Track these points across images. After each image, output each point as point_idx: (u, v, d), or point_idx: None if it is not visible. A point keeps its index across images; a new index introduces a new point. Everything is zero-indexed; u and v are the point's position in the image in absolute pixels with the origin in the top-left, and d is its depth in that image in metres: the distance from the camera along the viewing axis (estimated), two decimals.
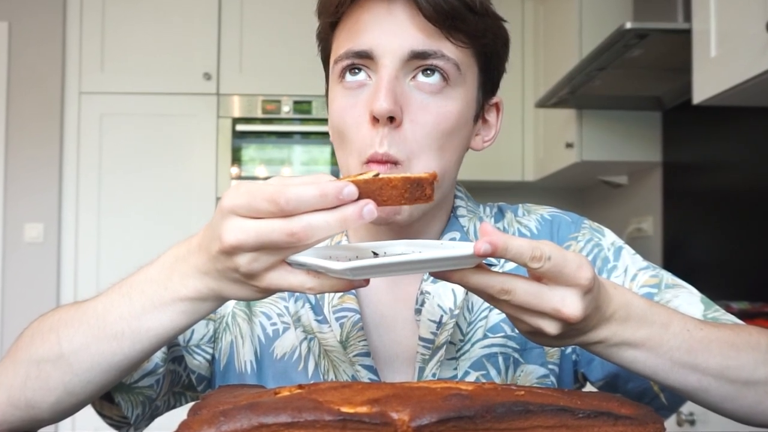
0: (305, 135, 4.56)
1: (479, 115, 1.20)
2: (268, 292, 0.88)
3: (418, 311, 1.16)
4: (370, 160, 1.08)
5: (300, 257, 0.83)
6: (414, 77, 1.09)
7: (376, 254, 0.96)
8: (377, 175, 0.84)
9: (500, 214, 1.31)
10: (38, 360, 1.01)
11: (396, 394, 0.65)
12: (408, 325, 1.18)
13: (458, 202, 1.27)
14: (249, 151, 4.55)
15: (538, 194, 5.06)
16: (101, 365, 0.98)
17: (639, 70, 3.35)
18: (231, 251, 0.83)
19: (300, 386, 0.72)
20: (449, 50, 1.09)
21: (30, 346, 1.03)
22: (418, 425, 0.61)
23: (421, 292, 1.16)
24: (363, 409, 0.63)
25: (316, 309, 1.18)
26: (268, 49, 4.47)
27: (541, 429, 0.63)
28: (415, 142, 1.08)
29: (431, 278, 1.17)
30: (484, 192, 4.75)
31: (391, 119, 1.06)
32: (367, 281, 0.84)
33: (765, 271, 3.10)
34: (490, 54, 1.16)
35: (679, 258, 3.88)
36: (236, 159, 4.53)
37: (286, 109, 4.52)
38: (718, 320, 1.13)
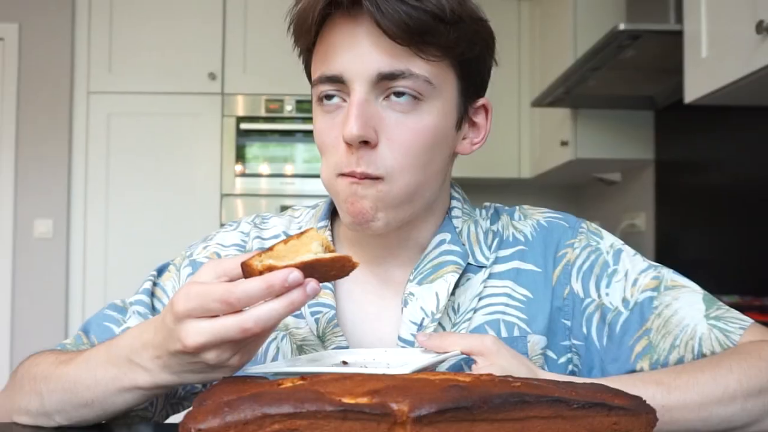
0: (307, 133, 4.55)
1: (463, 120, 1.17)
2: (242, 365, 0.91)
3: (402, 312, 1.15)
4: (347, 175, 1.07)
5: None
6: (387, 96, 1.06)
7: (345, 363, 1.01)
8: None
9: (496, 216, 1.28)
10: (28, 412, 1.08)
11: (396, 386, 0.65)
12: (393, 322, 1.17)
13: (454, 203, 1.25)
14: (253, 149, 4.55)
15: (534, 191, 5.05)
16: (83, 422, 1.05)
17: (632, 71, 3.35)
18: (196, 351, 0.85)
19: (302, 378, 0.72)
20: (419, 67, 1.05)
21: (21, 395, 1.09)
22: (417, 415, 0.61)
23: (406, 294, 1.16)
24: (363, 400, 0.62)
25: None
26: (271, 49, 4.46)
27: (537, 419, 0.63)
28: (393, 159, 1.06)
29: (417, 280, 1.16)
30: (481, 189, 4.74)
31: (366, 142, 1.05)
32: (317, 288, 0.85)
33: (755, 265, 3.10)
34: (468, 60, 1.11)
35: (671, 253, 3.87)
36: (240, 157, 4.53)
37: (289, 108, 4.53)
38: (721, 319, 1.12)
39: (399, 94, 1.06)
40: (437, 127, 1.09)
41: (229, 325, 0.82)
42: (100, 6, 4.54)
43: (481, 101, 1.19)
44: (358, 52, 1.04)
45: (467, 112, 1.16)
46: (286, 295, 0.82)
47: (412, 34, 1.02)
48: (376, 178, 1.06)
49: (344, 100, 1.08)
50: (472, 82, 1.15)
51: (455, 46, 1.06)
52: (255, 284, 0.81)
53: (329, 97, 1.09)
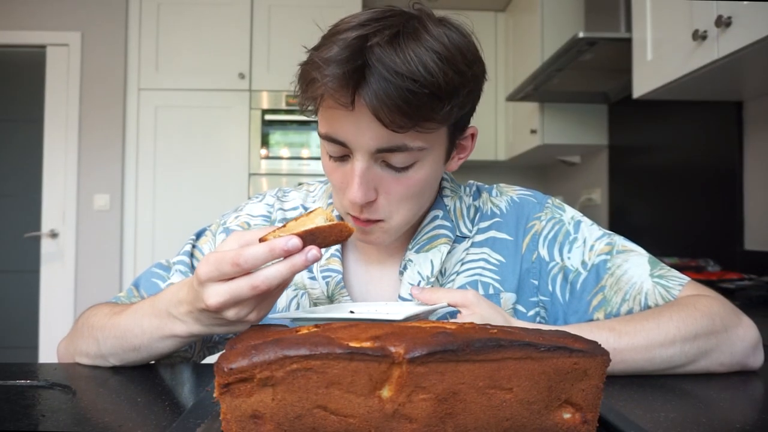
0: None
1: (451, 152, 1.09)
2: (259, 320, 0.90)
3: (401, 273, 1.15)
4: (354, 218, 1.05)
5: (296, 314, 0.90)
6: (384, 160, 0.99)
7: (352, 312, 1.00)
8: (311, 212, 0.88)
9: (477, 193, 1.27)
10: (87, 354, 1.10)
11: (394, 332, 0.65)
12: (392, 284, 1.17)
13: (444, 183, 1.23)
14: (275, 136, 4.53)
15: (508, 171, 5.04)
16: (132, 363, 1.08)
17: (589, 71, 3.34)
18: (217, 310, 0.85)
19: (317, 326, 0.72)
20: (414, 139, 0.96)
21: (82, 341, 1.11)
22: (411, 357, 0.61)
23: (406, 260, 1.15)
24: (367, 344, 0.62)
25: (309, 268, 1.18)
26: (292, 52, 4.40)
27: (510, 360, 0.63)
28: (391, 207, 1.04)
29: (415, 248, 1.16)
30: (465, 169, 4.73)
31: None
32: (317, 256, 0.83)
33: (690, 231, 3.10)
34: (459, 117, 1.01)
35: (621, 223, 3.88)
36: (265, 142, 4.51)
37: None
38: (663, 277, 1.13)
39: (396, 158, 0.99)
40: (429, 175, 1.04)
41: (242, 284, 0.82)
42: (148, 17, 4.50)
43: (469, 131, 1.10)
44: (359, 126, 0.95)
45: (455, 146, 1.09)
46: (288, 259, 0.81)
47: (409, 118, 0.91)
48: (378, 221, 1.05)
49: (348, 155, 1.01)
50: (460, 127, 1.06)
51: (449, 117, 0.96)
52: (260, 248, 0.80)
53: (335, 149, 1.01)
